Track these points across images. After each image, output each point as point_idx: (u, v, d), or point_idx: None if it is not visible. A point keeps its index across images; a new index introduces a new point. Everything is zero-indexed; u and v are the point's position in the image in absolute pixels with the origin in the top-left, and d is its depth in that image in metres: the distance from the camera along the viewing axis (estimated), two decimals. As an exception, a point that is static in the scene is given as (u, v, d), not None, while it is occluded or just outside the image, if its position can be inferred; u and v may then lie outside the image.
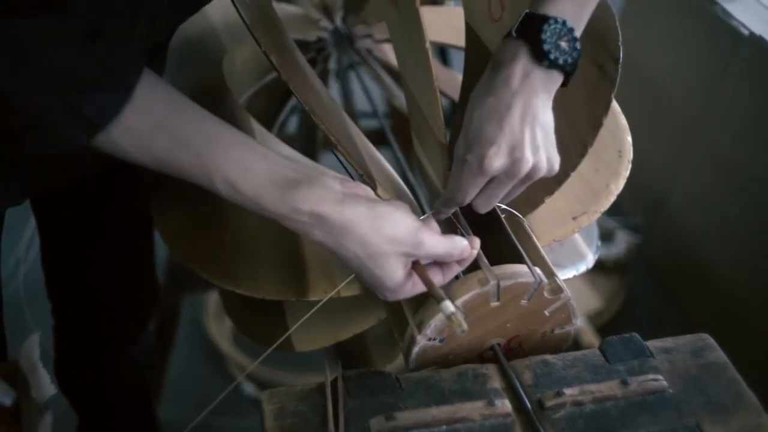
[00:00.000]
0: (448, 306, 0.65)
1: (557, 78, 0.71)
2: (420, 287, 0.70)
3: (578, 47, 0.70)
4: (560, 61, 0.69)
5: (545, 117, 0.70)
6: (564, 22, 0.69)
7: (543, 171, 0.70)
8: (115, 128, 0.61)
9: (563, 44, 0.69)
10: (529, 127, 0.69)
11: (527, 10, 0.71)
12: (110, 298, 1.17)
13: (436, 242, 0.69)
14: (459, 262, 0.71)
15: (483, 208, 0.73)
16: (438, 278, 0.70)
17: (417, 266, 0.69)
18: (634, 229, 2.02)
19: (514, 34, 0.70)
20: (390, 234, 0.67)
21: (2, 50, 0.55)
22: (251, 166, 0.66)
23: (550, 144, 0.71)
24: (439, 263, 0.71)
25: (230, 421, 1.71)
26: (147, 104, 0.62)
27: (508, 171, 0.69)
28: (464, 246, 0.70)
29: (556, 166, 0.72)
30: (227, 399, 1.74)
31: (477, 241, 0.71)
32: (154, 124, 0.63)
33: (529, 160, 0.68)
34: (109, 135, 0.61)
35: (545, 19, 0.69)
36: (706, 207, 1.83)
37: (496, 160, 0.68)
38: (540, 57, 0.69)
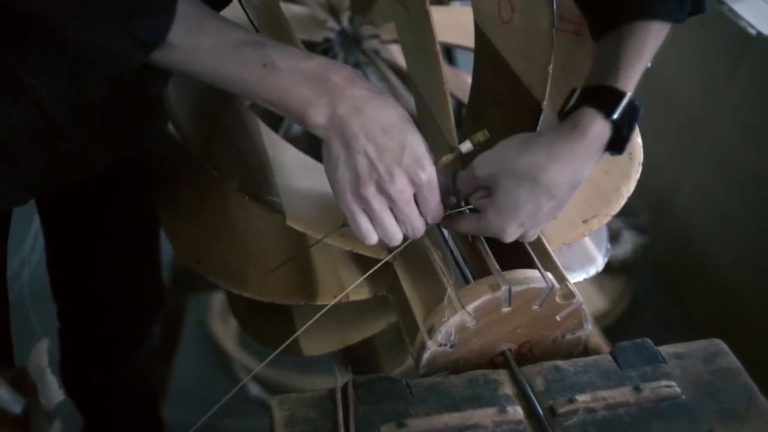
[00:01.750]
0: (465, 145, 0.70)
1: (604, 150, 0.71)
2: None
3: (634, 127, 0.70)
4: (623, 135, 0.69)
5: (568, 194, 0.72)
6: (632, 102, 0.69)
7: (510, 238, 0.72)
8: (163, 46, 0.63)
9: (626, 121, 0.69)
10: (558, 209, 0.72)
11: (629, 95, 0.69)
12: (116, 300, 1.17)
13: None
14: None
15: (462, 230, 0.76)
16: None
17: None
18: (641, 229, 2.02)
19: (614, 119, 0.68)
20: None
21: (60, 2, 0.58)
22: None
23: (542, 219, 0.72)
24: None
25: (236, 422, 1.71)
26: (185, 21, 0.63)
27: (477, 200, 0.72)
28: None
29: (532, 238, 0.74)
30: (233, 400, 1.74)
31: None
32: (203, 14, 0.66)
33: (537, 234, 0.74)
34: (160, 53, 0.63)
35: (637, 110, 0.69)
36: (712, 207, 1.83)
37: (513, 236, 0.71)
38: (618, 148, 0.70)
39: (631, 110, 0.69)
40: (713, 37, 1.75)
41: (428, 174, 0.68)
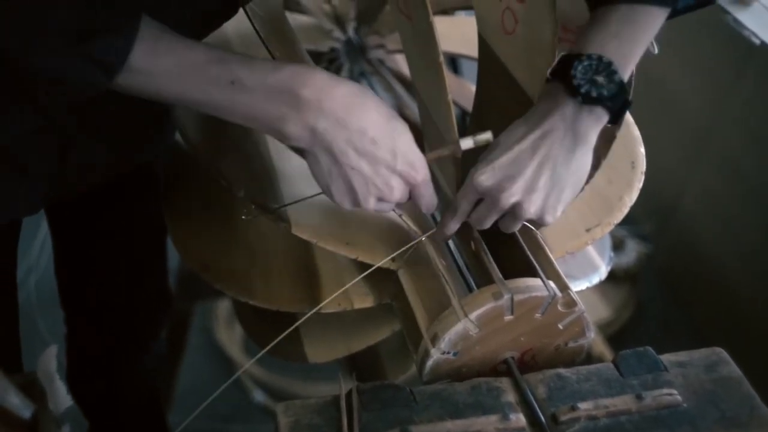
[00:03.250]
0: (466, 141, 0.70)
1: (600, 115, 0.69)
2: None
3: (617, 80, 0.68)
4: (594, 93, 0.67)
5: (566, 166, 0.69)
6: (600, 57, 0.68)
7: (528, 214, 0.70)
8: (126, 70, 0.61)
9: (600, 79, 0.67)
10: (535, 165, 0.69)
11: (562, 53, 0.70)
12: (123, 306, 1.18)
13: None
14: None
15: (476, 225, 0.75)
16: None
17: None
18: (644, 237, 2.02)
19: (549, 77, 0.70)
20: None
21: (10, 19, 0.56)
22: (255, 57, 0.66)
23: (556, 194, 0.70)
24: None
25: (241, 429, 1.72)
26: (153, 33, 0.62)
27: (492, 195, 0.70)
28: None
29: (549, 218, 0.71)
30: (238, 407, 1.75)
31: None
32: (163, 32, 0.63)
33: (514, 196, 0.69)
34: (123, 77, 0.61)
35: (578, 56, 0.68)
36: (716, 215, 1.83)
37: (484, 178, 0.69)
38: (573, 92, 0.68)
39: (568, 60, 0.68)
40: (717, 46, 1.76)
41: (422, 174, 0.69)
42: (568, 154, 0.69)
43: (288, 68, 0.64)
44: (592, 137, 0.70)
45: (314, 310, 0.75)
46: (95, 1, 0.58)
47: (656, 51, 0.75)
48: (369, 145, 0.65)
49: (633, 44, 0.70)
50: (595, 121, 0.69)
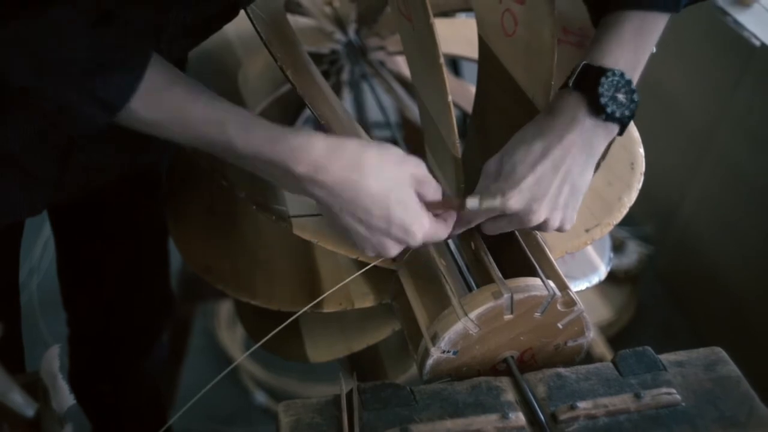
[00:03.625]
0: (474, 201, 0.69)
1: (613, 130, 0.71)
2: (440, 223, 0.72)
3: (636, 99, 0.70)
4: (617, 114, 0.69)
5: (581, 177, 0.71)
6: (622, 74, 0.69)
7: (552, 228, 0.72)
8: (131, 106, 0.62)
9: (621, 97, 0.69)
10: (558, 182, 0.70)
11: (585, 61, 0.70)
12: (125, 307, 1.18)
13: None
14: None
15: (489, 232, 0.76)
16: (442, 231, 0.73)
17: (426, 202, 0.71)
18: (646, 239, 2.02)
19: (570, 86, 0.70)
20: (394, 154, 0.68)
21: (19, 49, 0.56)
22: (257, 120, 0.67)
23: (573, 205, 0.72)
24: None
25: (242, 430, 1.72)
26: (160, 71, 0.63)
27: (520, 217, 0.71)
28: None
29: (568, 227, 0.73)
30: (239, 408, 1.75)
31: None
32: (168, 84, 0.64)
33: (542, 215, 0.70)
34: (126, 112, 0.62)
35: (603, 71, 0.69)
36: (717, 217, 1.83)
37: (514, 203, 0.70)
38: (597, 110, 0.69)
39: (590, 72, 0.69)
40: (718, 48, 1.76)
41: (419, 239, 0.69)
42: (584, 166, 0.71)
43: (285, 142, 0.65)
44: (603, 149, 0.72)
45: (314, 303, 0.76)
46: (105, 39, 0.59)
47: (654, 50, 0.76)
48: (363, 214, 0.67)
49: (643, 53, 0.72)
50: (608, 136, 0.72)
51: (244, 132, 0.65)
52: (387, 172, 0.67)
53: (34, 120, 0.73)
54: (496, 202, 0.69)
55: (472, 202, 0.69)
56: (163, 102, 0.64)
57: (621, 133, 0.72)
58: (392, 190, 0.67)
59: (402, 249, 0.71)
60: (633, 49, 0.71)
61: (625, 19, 0.71)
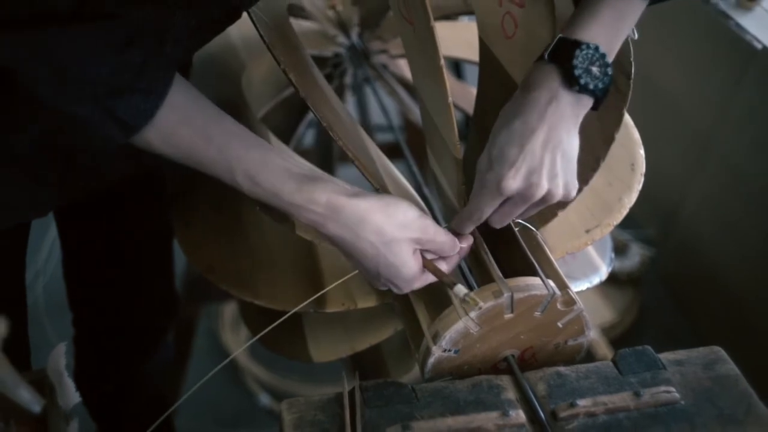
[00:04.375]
0: (461, 289, 0.69)
1: (587, 103, 0.72)
2: (430, 278, 0.74)
3: (609, 73, 0.71)
4: (591, 86, 0.70)
5: (569, 143, 0.72)
6: (596, 48, 0.70)
7: (558, 197, 0.72)
8: (149, 129, 0.65)
9: (595, 69, 0.70)
10: (550, 153, 0.70)
11: (560, 35, 0.72)
12: (130, 308, 1.19)
13: (439, 229, 0.74)
14: (459, 252, 0.76)
15: (497, 225, 0.75)
16: (443, 268, 0.74)
17: (425, 260, 0.74)
18: (648, 242, 2.03)
19: (546, 58, 0.71)
20: (401, 219, 0.72)
21: (44, 61, 0.59)
22: (270, 161, 0.71)
23: (570, 170, 0.72)
24: (442, 257, 0.75)
25: (246, 432, 1.73)
26: (177, 107, 0.66)
27: (523, 194, 0.71)
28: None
29: (573, 192, 0.73)
30: (243, 410, 1.75)
31: (470, 239, 0.77)
32: (183, 123, 0.67)
33: (544, 185, 0.70)
34: (142, 134, 0.65)
35: (578, 44, 0.70)
36: (719, 219, 1.83)
37: (513, 182, 0.70)
38: (571, 82, 0.70)
39: (565, 45, 0.70)
40: (719, 51, 1.77)
41: (408, 282, 0.74)
42: (569, 134, 0.72)
43: (294, 190, 0.71)
44: (581, 117, 0.73)
45: (314, 297, 0.77)
46: (130, 62, 0.61)
47: (636, 37, 0.77)
48: (358, 259, 0.73)
49: (619, 34, 0.73)
50: (584, 106, 0.72)
51: (251, 182, 0.70)
52: (386, 236, 0.71)
53: (41, 122, 0.74)
54: (480, 304, 0.71)
55: (459, 290, 0.71)
56: (175, 139, 0.67)
57: (596, 107, 0.73)
58: (386, 256, 0.72)
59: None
60: (609, 29, 0.72)
61: (603, 1, 0.72)
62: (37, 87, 0.61)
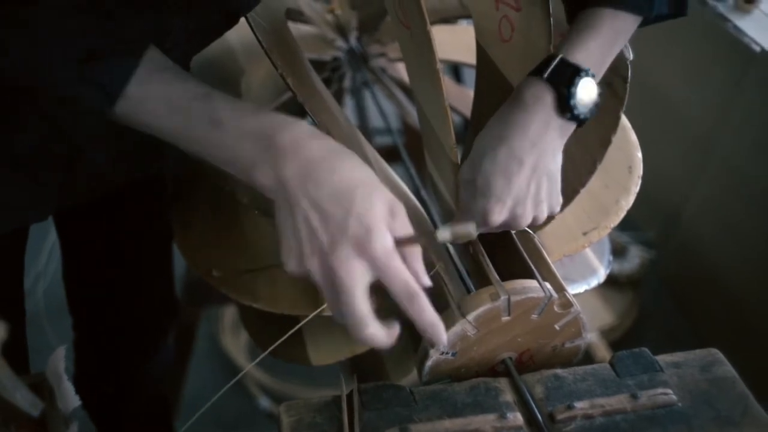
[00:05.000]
0: (443, 232, 0.66)
1: (572, 127, 0.72)
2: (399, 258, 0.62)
3: (599, 102, 0.71)
4: (581, 116, 0.70)
5: (554, 165, 0.72)
6: (593, 76, 0.70)
7: (542, 220, 0.74)
8: (126, 97, 0.61)
9: (586, 97, 0.70)
10: (535, 182, 0.71)
11: (561, 55, 0.71)
12: (130, 312, 1.20)
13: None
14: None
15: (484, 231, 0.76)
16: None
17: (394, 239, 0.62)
18: (648, 244, 2.03)
19: (545, 77, 0.70)
20: (378, 178, 0.63)
21: (18, 39, 0.58)
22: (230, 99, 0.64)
23: (554, 191, 0.73)
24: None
25: (246, 435, 1.73)
26: (142, 73, 0.62)
27: (508, 224, 0.73)
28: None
29: (557, 209, 0.74)
30: (243, 413, 1.75)
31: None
32: (156, 75, 0.63)
33: (529, 217, 0.72)
34: (123, 102, 0.61)
35: (578, 71, 0.69)
36: (720, 222, 1.84)
37: (499, 216, 0.71)
38: (564, 108, 0.70)
39: (566, 69, 0.70)
40: (718, 54, 1.77)
41: (381, 245, 0.59)
42: (555, 158, 0.73)
43: (270, 115, 0.63)
44: (566, 139, 0.73)
45: (318, 311, 0.77)
46: (104, 28, 0.60)
47: (631, 57, 0.77)
48: (325, 198, 0.60)
49: (613, 52, 0.73)
50: (570, 130, 0.73)
51: (230, 105, 0.63)
52: (365, 173, 0.63)
53: (41, 125, 0.74)
54: (469, 228, 0.66)
55: (443, 234, 0.65)
56: (154, 79, 0.62)
57: (579, 126, 0.73)
58: (364, 188, 0.61)
59: (358, 262, 0.60)
60: (606, 48, 0.72)
61: (604, 17, 0.72)
62: (24, 69, 0.59)
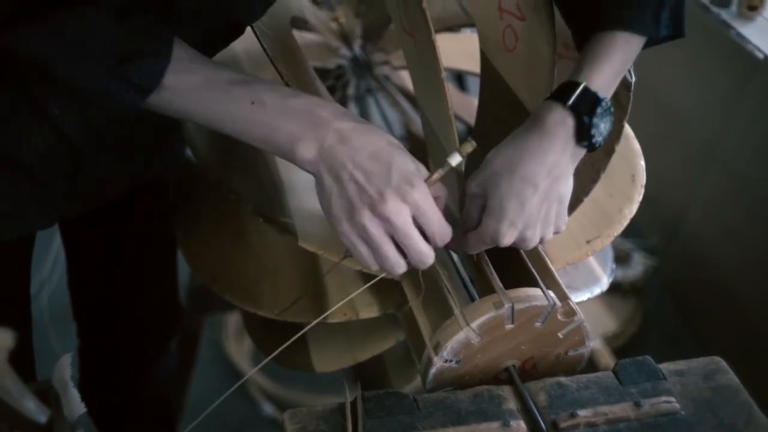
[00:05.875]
0: (456, 157, 0.71)
1: (584, 152, 0.73)
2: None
3: (611, 128, 0.72)
4: (597, 144, 0.72)
5: (566, 189, 0.73)
6: (609, 106, 0.71)
7: (548, 240, 0.74)
8: (162, 88, 0.66)
9: (602, 125, 0.71)
10: (546, 206, 0.72)
11: (584, 84, 0.71)
12: (134, 319, 1.20)
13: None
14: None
15: (473, 250, 0.77)
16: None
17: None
18: (651, 251, 2.03)
19: (568, 105, 0.70)
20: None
21: (58, 43, 0.61)
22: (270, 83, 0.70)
23: (562, 212, 0.74)
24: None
25: (250, 442, 1.73)
26: (177, 64, 0.66)
27: (516, 244, 0.73)
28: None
29: (563, 228, 0.75)
30: (247, 420, 1.76)
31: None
32: (185, 77, 0.67)
33: (536, 239, 0.73)
34: (157, 95, 0.66)
35: (598, 100, 0.70)
36: (723, 229, 1.84)
37: (509, 238, 0.72)
38: (583, 136, 0.71)
39: (588, 97, 0.70)
40: (722, 61, 1.78)
41: (420, 190, 0.67)
42: (567, 182, 0.73)
43: (306, 96, 0.70)
44: (578, 162, 0.74)
45: (321, 318, 0.77)
46: (134, 27, 0.63)
47: (633, 80, 0.78)
48: (366, 158, 0.67)
49: (622, 74, 0.74)
50: (582, 154, 0.73)
51: (269, 87, 0.69)
52: (391, 138, 0.70)
53: (46, 133, 0.75)
54: (471, 144, 0.71)
55: (454, 159, 0.71)
56: (191, 68, 0.67)
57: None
58: (397, 145, 0.70)
59: (401, 208, 0.67)
60: (618, 72, 0.73)
61: (617, 41, 0.72)
62: (57, 71, 0.63)
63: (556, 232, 0.75)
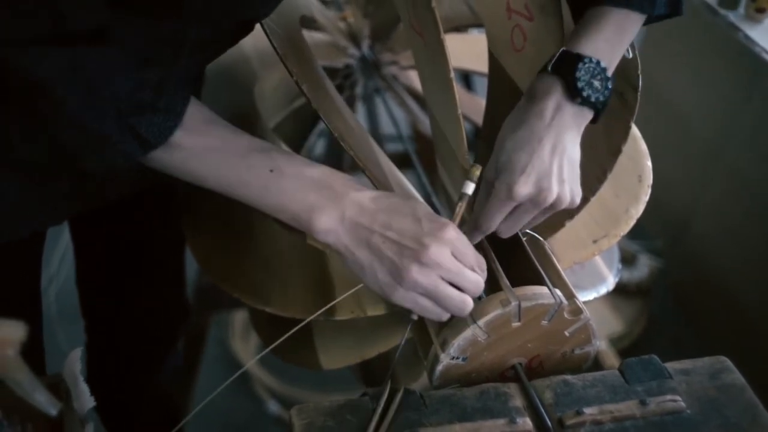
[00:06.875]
0: (469, 186, 0.74)
1: (588, 114, 0.74)
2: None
3: (610, 86, 0.73)
4: (592, 99, 0.72)
5: (573, 152, 0.74)
6: (598, 62, 0.72)
7: (566, 202, 0.74)
8: (167, 146, 0.66)
9: (596, 83, 0.72)
10: (557, 159, 0.72)
11: (564, 48, 0.74)
12: (141, 317, 1.21)
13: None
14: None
15: (507, 234, 0.77)
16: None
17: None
18: (657, 253, 2.03)
19: (549, 70, 0.73)
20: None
21: (75, 79, 0.60)
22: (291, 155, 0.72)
23: (575, 178, 0.74)
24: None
25: (255, 440, 1.74)
26: (194, 124, 0.67)
27: (533, 199, 0.72)
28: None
29: (578, 200, 0.75)
30: (252, 418, 1.76)
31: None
32: (201, 139, 0.68)
33: (554, 190, 0.72)
34: (162, 151, 0.66)
35: (580, 57, 0.72)
36: (728, 231, 1.84)
37: (524, 188, 0.71)
38: (573, 94, 0.72)
39: (568, 58, 0.72)
40: (728, 63, 1.78)
41: (452, 229, 0.70)
42: (573, 143, 0.74)
43: (322, 166, 0.72)
44: (582, 128, 0.75)
45: (325, 309, 0.78)
46: (152, 78, 0.63)
47: (631, 55, 0.79)
48: (391, 218, 0.69)
49: (619, 48, 0.75)
50: (585, 118, 0.75)
51: (286, 156, 0.70)
52: (396, 194, 0.73)
53: (48, 133, 0.75)
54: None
55: (469, 187, 0.74)
56: (207, 131, 0.68)
57: (595, 120, 0.75)
58: (411, 197, 0.73)
59: (442, 251, 0.68)
60: (610, 43, 0.74)
61: (607, 14, 0.74)
62: (66, 104, 0.61)
63: (571, 206, 0.74)
